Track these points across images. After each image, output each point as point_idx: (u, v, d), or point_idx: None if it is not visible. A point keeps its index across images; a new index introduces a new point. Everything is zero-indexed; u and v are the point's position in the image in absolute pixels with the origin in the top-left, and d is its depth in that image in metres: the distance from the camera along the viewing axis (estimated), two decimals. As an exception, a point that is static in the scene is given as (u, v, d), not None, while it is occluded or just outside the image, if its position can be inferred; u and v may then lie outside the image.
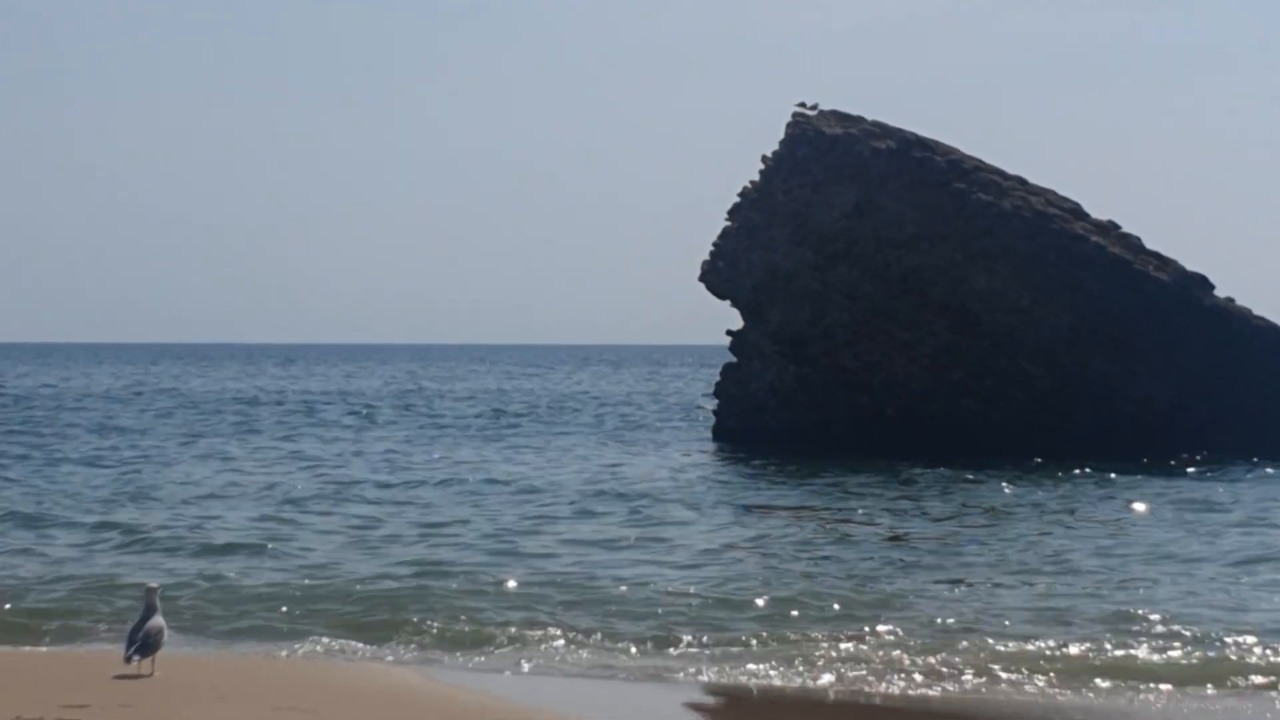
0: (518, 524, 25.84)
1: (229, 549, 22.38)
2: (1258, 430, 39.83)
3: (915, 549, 23.54)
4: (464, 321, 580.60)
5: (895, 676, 15.16)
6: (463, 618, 17.60)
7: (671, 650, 16.22)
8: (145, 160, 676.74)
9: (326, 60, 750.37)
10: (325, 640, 16.60)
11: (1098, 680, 14.99)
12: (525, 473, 35.25)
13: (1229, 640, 16.44)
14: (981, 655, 15.84)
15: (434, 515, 27.07)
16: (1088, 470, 35.20)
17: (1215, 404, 40.33)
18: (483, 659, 16.08)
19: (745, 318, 44.52)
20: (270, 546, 22.66)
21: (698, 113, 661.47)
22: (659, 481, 33.24)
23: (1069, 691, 14.69)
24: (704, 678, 15.37)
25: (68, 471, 34.42)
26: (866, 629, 16.84)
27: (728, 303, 44.83)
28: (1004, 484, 32.67)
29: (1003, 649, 16.11)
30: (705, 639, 16.55)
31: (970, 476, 34.09)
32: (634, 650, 16.27)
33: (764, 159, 45.13)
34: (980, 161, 43.40)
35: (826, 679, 15.14)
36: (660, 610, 18.02)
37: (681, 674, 15.45)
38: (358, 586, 19.35)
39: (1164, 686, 14.84)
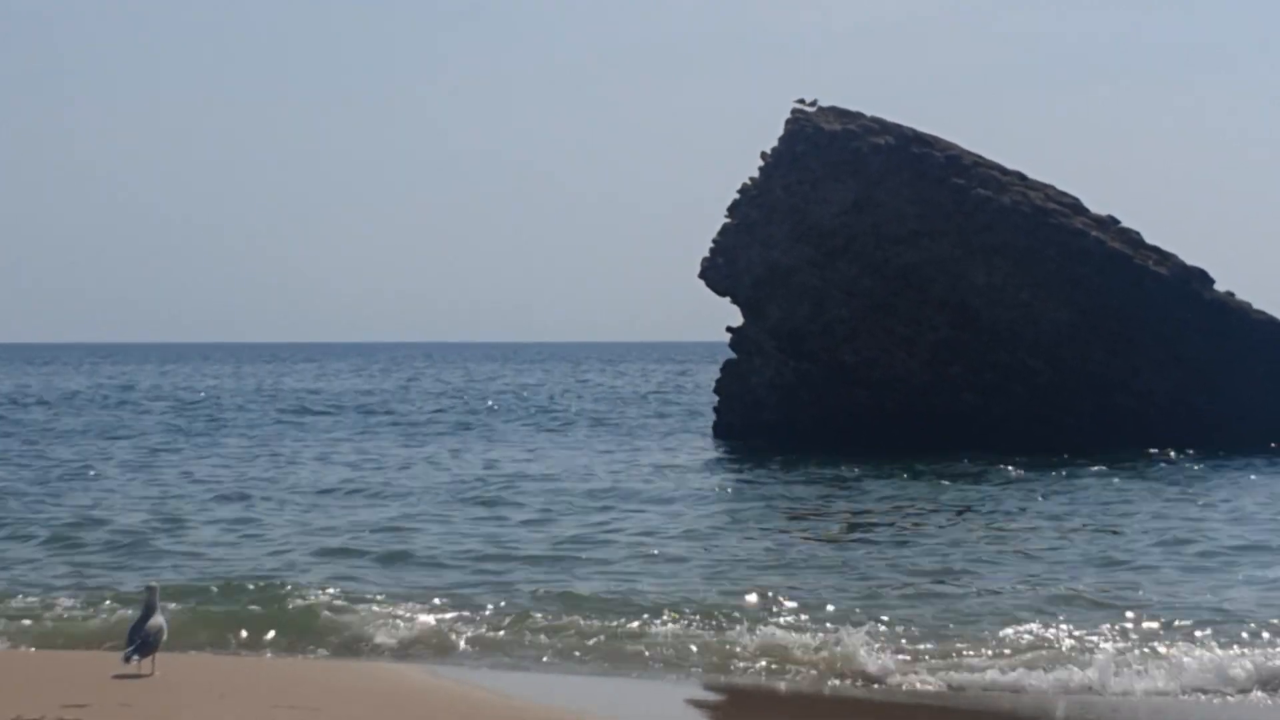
0: (519, 522, 25.85)
1: None
2: (1258, 424, 39.82)
3: (910, 545, 23.54)
4: (464, 321, 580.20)
5: (892, 671, 15.16)
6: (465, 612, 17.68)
7: (671, 649, 16.21)
8: (145, 160, 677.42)
9: (326, 60, 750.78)
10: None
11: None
12: (523, 470, 35.20)
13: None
14: (980, 650, 15.86)
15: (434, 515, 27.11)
16: (1088, 464, 35.19)
17: (1215, 398, 40.32)
18: (489, 656, 16.10)
19: (745, 314, 44.51)
20: None
21: (698, 113, 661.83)
22: (658, 479, 33.20)
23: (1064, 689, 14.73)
24: (704, 675, 15.38)
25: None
26: (869, 627, 16.79)
27: (728, 299, 44.85)
28: (1004, 476, 32.67)
29: (1004, 646, 16.13)
30: (703, 635, 16.55)
31: (971, 471, 34.09)
32: (633, 646, 16.28)
33: (763, 155, 45.13)
34: (979, 157, 43.40)
35: (819, 674, 15.17)
36: (660, 606, 18.01)
37: (679, 672, 15.46)
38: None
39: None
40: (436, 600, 18.36)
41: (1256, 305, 41.93)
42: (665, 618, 17.32)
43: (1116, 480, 32.23)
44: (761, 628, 16.60)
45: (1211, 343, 40.61)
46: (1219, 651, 15.51)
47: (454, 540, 23.59)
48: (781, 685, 14.98)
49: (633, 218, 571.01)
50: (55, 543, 22.87)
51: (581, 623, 17.10)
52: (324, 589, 18.57)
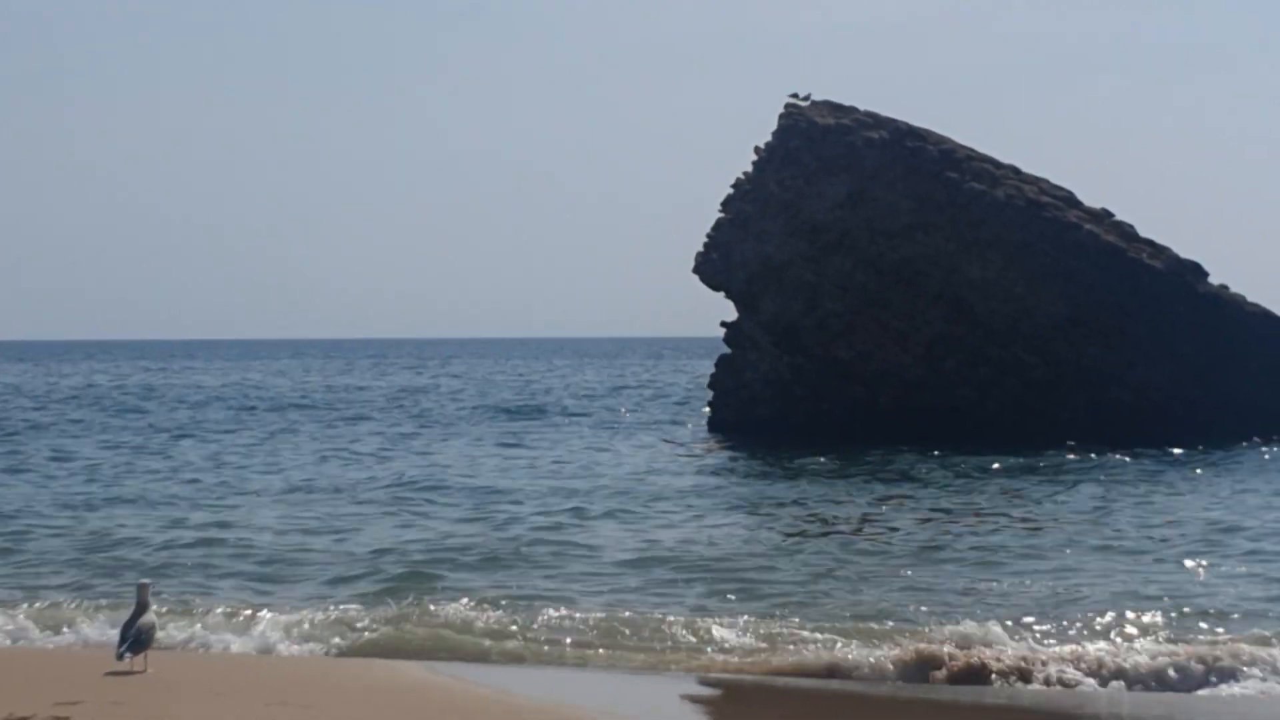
0: (517, 519, 25.83)
1: None
2: (1253, 416, 39.80)
3: (891, 543, 23.54)
4: (464, 319, 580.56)
5: (890, 666, 15.15)
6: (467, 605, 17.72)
7: (668, 642, 16.20)
8: (145, 160, 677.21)
9: (326, 60, 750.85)
10: None
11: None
12: (520, 467, 35.18)
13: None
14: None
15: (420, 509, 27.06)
16: (1084, 455, 35.20)
17: (1210, 390, 40.31)
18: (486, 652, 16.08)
19: (739, 309, 44.48)
20: None
21: (698, 113, 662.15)
22: (657, 477, 33.15)
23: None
24: (701, 669, 15.36)
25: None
26: (869, 626, 16.78)
27: (722, 295, 44.83)
28: (1001, 470, 32.66)
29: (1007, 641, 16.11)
30: (701, 631, 16.53)
31: (961, 465, 34.08)
32: (634, 642, 16.25)
33: (757, 150, 45.07)
34: (973, 151, 43.37)
35: (812, 665, 15.18)
36: (657, 604, 18.04)
37: (676, 666, 15.45)
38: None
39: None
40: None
41: (1251, 299, 41.94)
42: (662, 615, 17.31)
43: (1105, 475, 32.24)
44: (761, 624, 16.63)
45: (1206, 336, 40.60)
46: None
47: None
48: (778, 681, 14.95)
49: (632, 217, 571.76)
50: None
51: (577, 618, 17.09)
52: None
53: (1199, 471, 32.82)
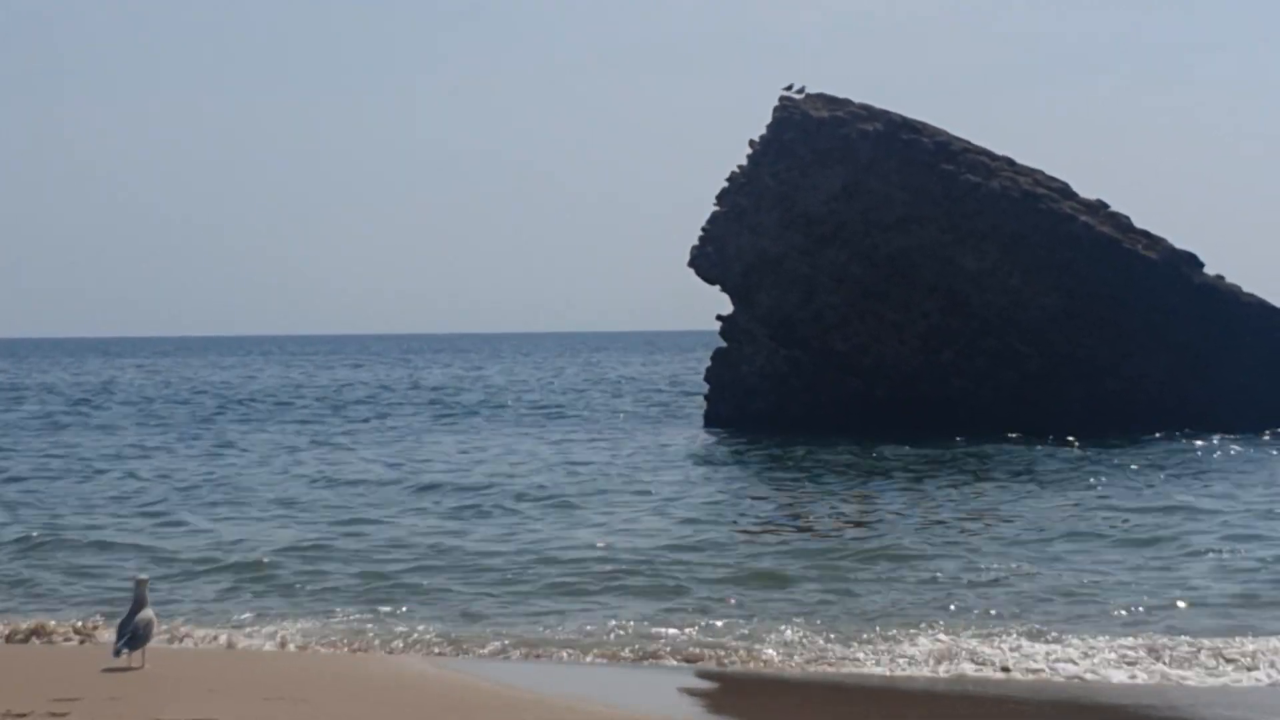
0: (514, 517, 25.81)
1: None
2: (1248, 407, 39.79)
3: (883, 534, 23.53)
4: (464, 319, 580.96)
5: (886, 662, 15.13)
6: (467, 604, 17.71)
7: (664, 634, 16.18)
8: (145, 160, 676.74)
9: (326, 60, 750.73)
10: None
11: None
12: (518, 464, 35.14)
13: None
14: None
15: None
16: (1080, 446, 35.19)
17: (1206, 381, 40.29)
18: (487, 647, 16.05)
19: (735, 302, 44.44)
20: None
21: (698, 112, 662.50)
22: (655, 474, 33.11)
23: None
24: (699, 663, 15.32)
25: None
26: (875, 625, 16.76)
27: (718, 288, 44.77)
28: (997, 462, 32.66)
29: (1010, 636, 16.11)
30: (699, 628, 16.52)
31: (959, 455, 34.08)
32: (633, 638, 16.22)
33: (751, 143, 45.03)
34: (968, 143, 43.33)
35: (803, 660, 15.14)
36: (656, 601, 18.02)
37: (674, 659, 15.43)
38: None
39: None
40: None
41: (1246, 289, 41.91)
42: (658, 612, 17.28)
43: (1100, 465, 32.24)
44: (758, 620, 16.63)
45: (1201, 327, 40.58)
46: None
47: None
48: (784, 674, 14.92)
49: (632, 217, 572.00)
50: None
51: (578, 617, 17.06)
52: None
53: (1196, 462, 32.84)
